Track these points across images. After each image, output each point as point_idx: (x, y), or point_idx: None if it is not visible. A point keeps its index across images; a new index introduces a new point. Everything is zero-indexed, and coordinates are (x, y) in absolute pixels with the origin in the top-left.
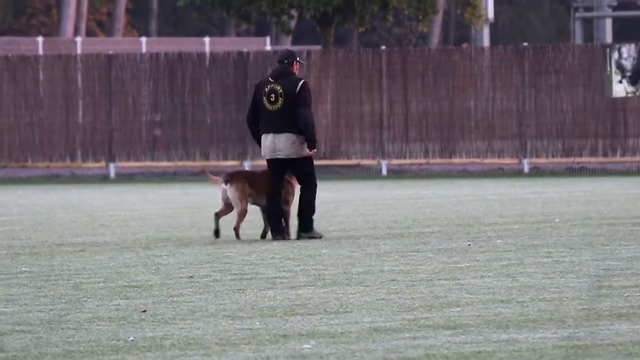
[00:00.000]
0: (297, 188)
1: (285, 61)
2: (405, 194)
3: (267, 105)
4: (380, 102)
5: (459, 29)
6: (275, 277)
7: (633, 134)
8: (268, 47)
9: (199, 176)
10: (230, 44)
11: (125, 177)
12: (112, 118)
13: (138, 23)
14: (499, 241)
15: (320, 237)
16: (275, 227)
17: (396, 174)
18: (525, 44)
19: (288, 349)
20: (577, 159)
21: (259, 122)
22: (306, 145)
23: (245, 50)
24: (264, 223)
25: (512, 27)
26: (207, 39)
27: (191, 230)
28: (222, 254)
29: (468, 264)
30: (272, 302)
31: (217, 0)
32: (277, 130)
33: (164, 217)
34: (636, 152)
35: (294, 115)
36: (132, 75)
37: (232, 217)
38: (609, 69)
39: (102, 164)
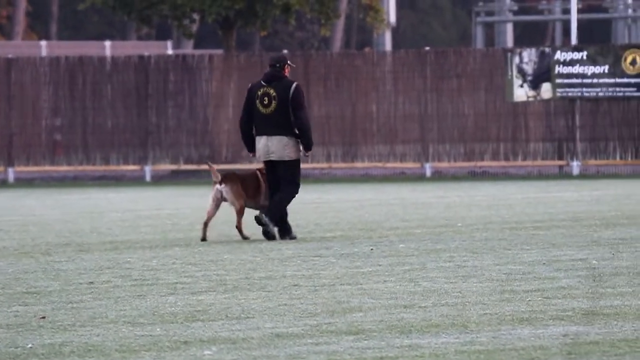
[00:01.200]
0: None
1: (277, 65)
2: (308, 199)
3: (261, 108)
4: None
5: (361, 33)
6: (177, 283)
7: (534, 138)
8: (169, 51)
9: (99, 181)
10: (131, 47)
11: (25, 182)
12: (11, 122)
13: (38, 26)
14: (401, 245)
15: (273, 237)
16: (282, 227)
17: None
18: (427, 48)
19: (189, 356)
20: (479, 163)
21: (253, 125)
22: (297, 148)
23: (146, 54)
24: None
25: (414, 31)
26: (107, 43)
27: (91, 236)
28: (123, 260)
29: (370, 269)
30: (173, 308)
31: (118, 3)
32: (270, 132)
33: (64, 222)
34: (537, 156)
35: (287, 118)
36: (32, 79)
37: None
38: (510, 73)
39: (1, 168)
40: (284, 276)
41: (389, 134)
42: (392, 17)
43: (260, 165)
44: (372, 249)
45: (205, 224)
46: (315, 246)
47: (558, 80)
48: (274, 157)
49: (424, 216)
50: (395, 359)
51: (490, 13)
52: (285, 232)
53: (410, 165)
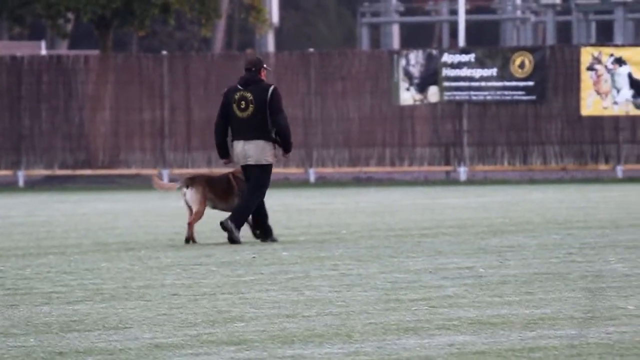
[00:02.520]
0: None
1: (253, 69)
2: None
3: (238, 112)
4: (161, 110)
5: (243, 33)
6: (51, 292)
7: (420, 143)
8: (43, 52)
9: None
10: (3, 48)
11: None
12: None
13: None
14: (284, 253)
15: (238, 242)
16: (262, 229)
17: None
18: (311, 49)
19: None
20: (364, 169)
21: (228, 129)
22: (273, 153)
23: (18, 54)
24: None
25: (298, 32)
26: None
27: None
28: None
29: (252, 277)
30: (47, 318)
31: None
32: (247, 137)
33: None
34: (423, 161)
35: (264, 122)
36: None
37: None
38: (396, 76)
39: None
40: (163, 285)
41: None
42: (275, 18)
43: (233, 169)
44: (254, 257)
45: (189, 224)
46: (195, 254)
47: (445, 84)
48: (251, 162)
49: (308, 223)
50: None
51: (376, 14)
52: (267, 234)
53: (293, 170)
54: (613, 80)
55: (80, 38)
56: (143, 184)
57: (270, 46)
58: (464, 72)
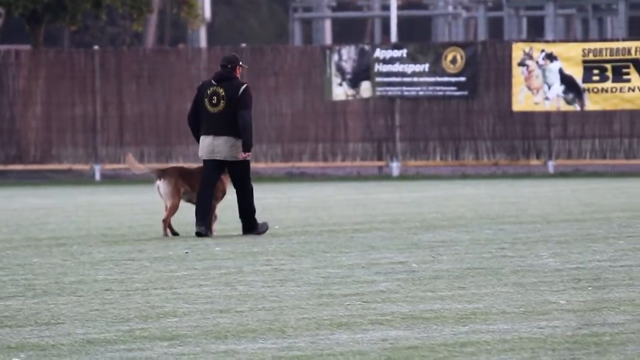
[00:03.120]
0: (229, 187)
1: (229, 66)
2: (120, 200)
3: (209, 107)
4: (93, 105)
5: (175, 29)
6: None
7: (353, 138)
8: None
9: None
10: None
11: None
12: None
13: None
14: (217, 249)
15: (267, 229)
16: (202, 220)
17: (111, 179)
18: (244, 45)
19: None
20: (297, 164)
21: (200, 123)
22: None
23: None
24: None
25: (230, 27)
26: None
27: None
28: None
29: (185, 273)
30: None
31: None
32: (216, 132)
33: None
34: (356, 156)
35: (234, 119)
36: None
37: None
38: (328, 71)
39: None
40: (96, 280)
41: None
42: (207, 13)
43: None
44: (187, 252)
45: (164, 221)
46: (128, 249)
47: (378, 79)
48: (218, 157)
49: None
50: None
51: (308, 9)
52: (203, 224)
53: None
54: (544, 76)
55: (11, 33)
56: (75, 179)
57: (203, 41)
58: (396, 67)
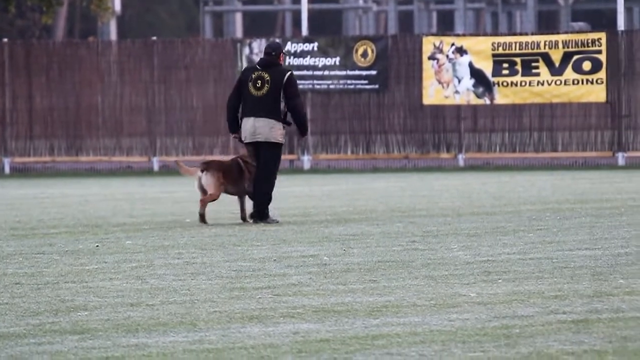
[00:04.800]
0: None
1: (273, 53)
2: (30, 194)
3: (253, 90)
4: (2, 98)
5: (85, 21)
6: None
7: None
8: None
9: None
10: None
11: None
12: None
13: None
14: (128, 242)
15: (276, 222)
16: (260, 213)
17: (20, 172)
18: (154, 38)
19: None
20: (208, 157)
21: (239, 106)
22: (282, 133)
23: None
24: (240, 208)
25: (141, 20)
26: None
27: None
28: None
29: (96, 266)
30: None
31: None
32: (258, 114)
33: None
34: None
35: (276, 103)
36: None
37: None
38: (239, 64)
39: None
40: (5, 274)
41: (115, 126)
42: (117, 6)
43: (240, 153)
44: (97, 246)
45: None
46: (38, 243)
47: None
48: (260, 138)
49: (152, 212)
50: (122, 359)
51: (218, 2)
52: (264, 216)
53: (137, 159)
54: (454, 70)
55: None
56: None
57: (113, 34)
58: (307, 61)
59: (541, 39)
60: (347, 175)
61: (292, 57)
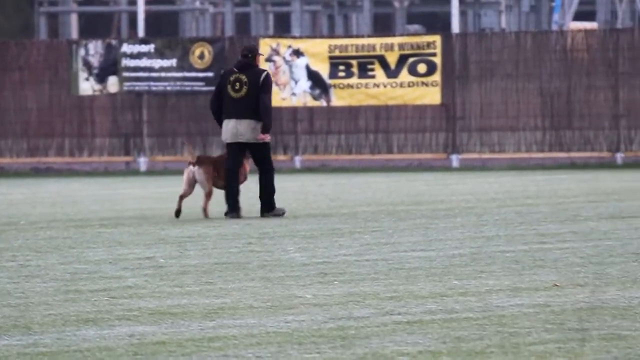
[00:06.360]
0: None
1: (249, 55)
2: None
3: (232, 93)
4: None
5: None
6: None
7: (100, 134)
8: None
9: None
10: None
11: None
12: None
13: None
14: None
15: (283, 213)
16: (233, 205)
17: None
18: None
19: None
20: (43, 159)
21: (222, 108)
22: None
23: None
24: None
25: None
26: None
27: None
28: None
29: None
30: None
31: None
32: (239, 116)
33: None
34: (103, 152)
35: (256, 103)
36: None
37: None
38: (75, 66)
39: None
40: None
41: None
42: None
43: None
44: None
45: (180, 197)
46: None
47: (125, 74)
48: (242, 139)
49: None
50: None
51: (53, 3)
52: (235, 209)
53: None
54: (291, 72)
55: None
56: None
57: None
58: (144, 62)
59: (377, 41)
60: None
61: (128, 59)
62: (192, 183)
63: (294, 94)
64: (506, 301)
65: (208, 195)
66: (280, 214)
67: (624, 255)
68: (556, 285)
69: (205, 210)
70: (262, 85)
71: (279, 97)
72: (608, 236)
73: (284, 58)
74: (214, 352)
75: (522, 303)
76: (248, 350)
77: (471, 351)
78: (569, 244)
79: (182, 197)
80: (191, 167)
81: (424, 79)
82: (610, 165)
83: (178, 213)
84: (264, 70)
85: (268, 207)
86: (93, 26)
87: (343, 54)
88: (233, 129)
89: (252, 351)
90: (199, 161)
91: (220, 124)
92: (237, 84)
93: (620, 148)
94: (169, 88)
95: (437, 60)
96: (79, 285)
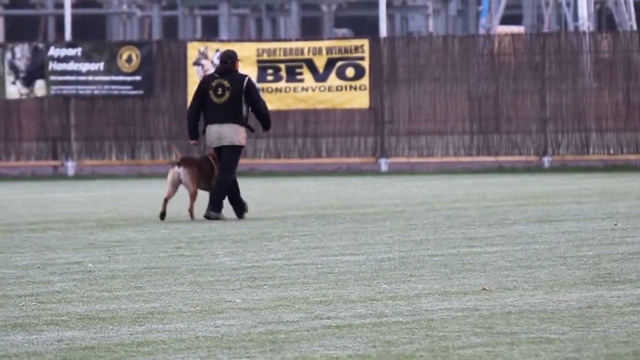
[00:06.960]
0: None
1: (229, 61)
2: None
3: (214, 98)
4: None
5: None
6: None
7: (27, 137)
8: None
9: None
10: None
11: None
12: None
13: None
14: None
15: (224, 218)
16: (237, 207)
17: None
18: None
19: None
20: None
21: (201, 114)
22: (245, 136)
23: None
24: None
25: None
26: None
27: None
28: None
29: None
30: None
31: None
32: (221, 120)
33: None
34: (31, 156)
35: (238, 108)
36: None
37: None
38: (1, 69)
39: None
40: None
41: None
42: None
43: (210, 152)
44: None
45: (165, 200)
46: None
47: (52, 78)
48: (225, 143)
49: None
50: None
51: None
52: (242, 208)
53: None
54: None
55: None
56: None
57: None
58: (71, 66)
59: (305, 45)
60: (112, 181)
61: (55, 62)
62: (176, 184)
63: None
64: (435, 305)
65: (193, 196)
66: (223, 218)
67: (551, 259)
68: (485, 289)
69: (191, 211)
70: (248, 93)
71: None
72: (536, 240)
73: (212, 62)
74: (143, 357)
75: (451, 307)
76: (177, 355)
77: (400, 355)
78: (498, 248)
79: (166, 200)
80: (176, 168)
81: (352, 83)
82: (537, 169)
83: (163, 215)
84: (245, 76)
85: (215, 205)
86: (20, 29)
87: (271, 57)
88: (216, 133)
89: (181, 356)
90: (184, 162)
91: (191, 129)
92: (220, 89)
93: (548, 152)
94: (96, 92)
95: (365, 64)
96: (6, 290)
